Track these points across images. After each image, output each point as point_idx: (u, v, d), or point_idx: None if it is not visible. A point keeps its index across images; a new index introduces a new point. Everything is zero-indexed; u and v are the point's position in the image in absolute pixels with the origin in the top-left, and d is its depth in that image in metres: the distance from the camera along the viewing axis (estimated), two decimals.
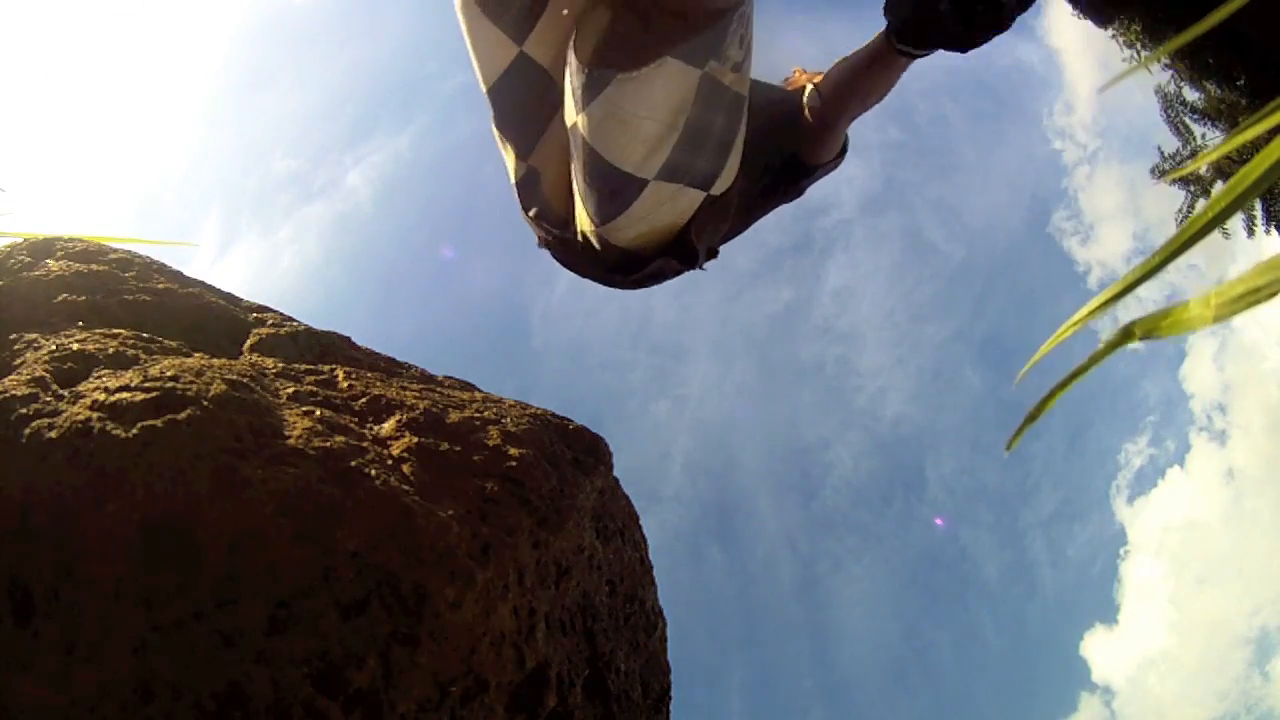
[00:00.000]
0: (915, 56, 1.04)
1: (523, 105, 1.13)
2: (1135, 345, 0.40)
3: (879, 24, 1.05)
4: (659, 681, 1.09)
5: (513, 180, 1.20)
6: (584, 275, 1.27)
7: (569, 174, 1.14)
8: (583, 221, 1.14)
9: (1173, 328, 0.39)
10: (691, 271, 1.28)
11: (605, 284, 1.29)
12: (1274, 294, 0.36)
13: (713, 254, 1.27)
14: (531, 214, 1.21)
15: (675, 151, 1.01)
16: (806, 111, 1.23)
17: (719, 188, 1.11)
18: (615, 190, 1.04)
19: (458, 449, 0.79)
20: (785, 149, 1.30)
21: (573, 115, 1.02)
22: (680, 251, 1.15)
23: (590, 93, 0.97)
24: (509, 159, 1.18)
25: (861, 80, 1.14)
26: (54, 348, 0.74)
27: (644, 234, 1.11)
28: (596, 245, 1.15)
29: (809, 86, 1.23)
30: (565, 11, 1.05)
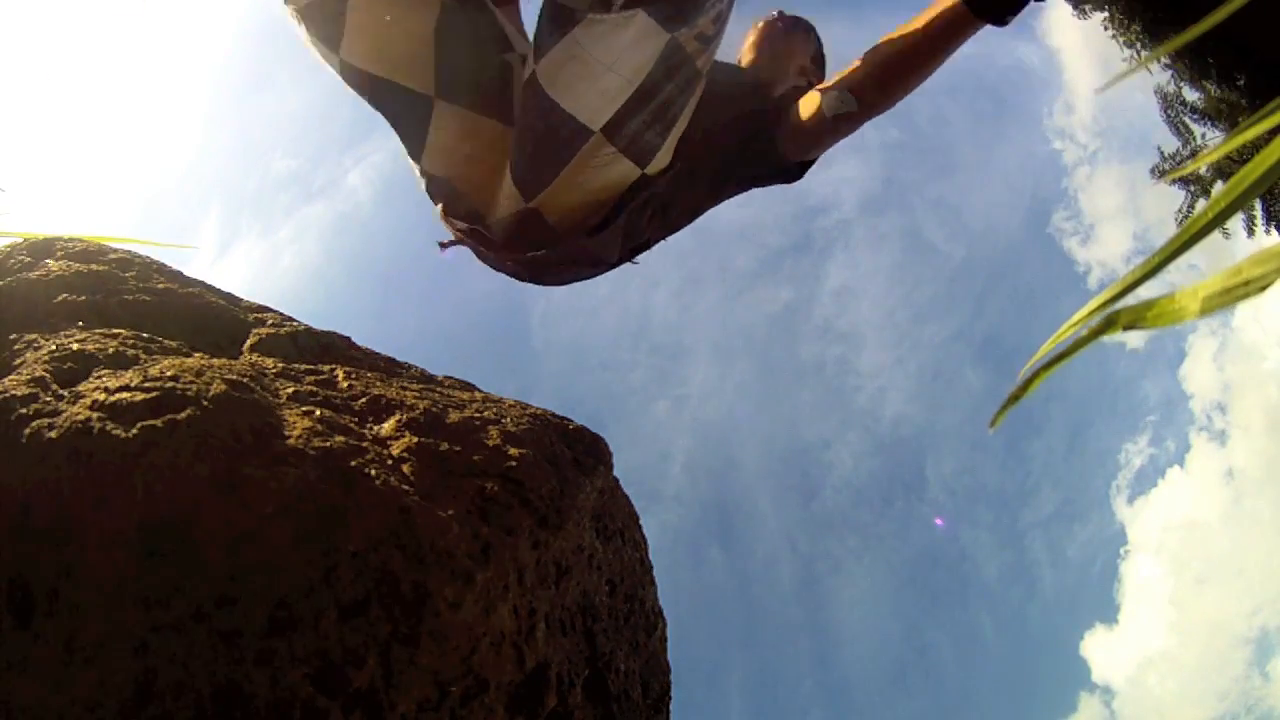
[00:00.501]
0: (1002, 23, 0.98)
1: (389, 107, 1.15)
2: (1121, 335, 0.40)
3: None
4: (659, 681, 1.09)
5: (418, 178, 1.20)
6: (499, 268, 1.25)
7: (474, 170, 1.14)
8: (505, 207, 1.11)
9: (1159, 319, 0.38)
10: (617, 267, 1.25)
11: (522, 276, 1.25)
12: (1263, 288, 0.36)
13: (643, 247, 1.25)
14: (439, 208, 1.19)
15: (624, 106, 0.99)
16: (813, 109, 1.15)
17: (654, 166, 1.08)
18: (562, 142, 1.01)
19: (458, 449, 0.79)
20: (755, 145, 1.26)
21: (533, 64, 0.99)
22: (597, 229, 1.12)
23: (556, 34, 0.94)
24: (410, 160, 1.19)
25: (927, 53, 1.04)
26: (54, 348, 0.74)
27: (571, 200, 1.08)
28: (515, 228, 1.11)
29: (827, 88, 1.13)
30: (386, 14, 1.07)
